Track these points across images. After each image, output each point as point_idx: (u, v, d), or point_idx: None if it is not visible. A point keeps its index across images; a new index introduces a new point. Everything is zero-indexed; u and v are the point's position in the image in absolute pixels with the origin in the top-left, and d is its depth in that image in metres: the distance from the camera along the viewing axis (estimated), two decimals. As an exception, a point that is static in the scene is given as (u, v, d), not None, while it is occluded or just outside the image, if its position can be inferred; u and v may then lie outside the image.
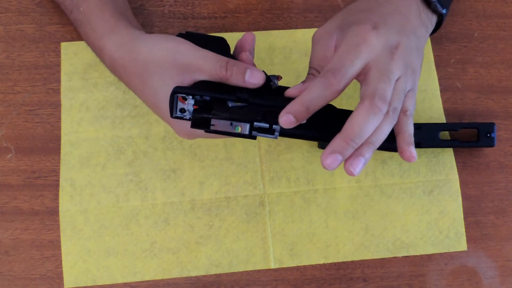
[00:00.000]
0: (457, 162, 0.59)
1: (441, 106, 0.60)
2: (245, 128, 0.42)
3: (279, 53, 0.60)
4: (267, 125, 0.42)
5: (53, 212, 0.55)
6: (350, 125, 0.41)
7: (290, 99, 0.42)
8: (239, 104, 0.42)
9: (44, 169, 0.56)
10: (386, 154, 0.58)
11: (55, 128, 0.57)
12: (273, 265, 0.56)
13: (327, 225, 0.57)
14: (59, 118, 0.57)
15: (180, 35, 0.48)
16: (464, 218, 0.58)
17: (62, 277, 0.54)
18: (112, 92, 0.58)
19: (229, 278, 0.55)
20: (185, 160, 0.57)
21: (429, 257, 0.57)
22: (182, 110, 0.43)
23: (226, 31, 0.61)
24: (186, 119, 0.43)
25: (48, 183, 0.56)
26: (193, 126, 0.42)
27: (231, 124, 0.42)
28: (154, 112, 0.49)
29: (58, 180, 0.56)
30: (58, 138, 0.57)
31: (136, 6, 0.61)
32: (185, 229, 0.56)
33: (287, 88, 0.45)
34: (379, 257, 0.56)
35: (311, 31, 0.57)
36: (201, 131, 0.44)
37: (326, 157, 0.41)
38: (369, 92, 0.42)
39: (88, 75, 0.58)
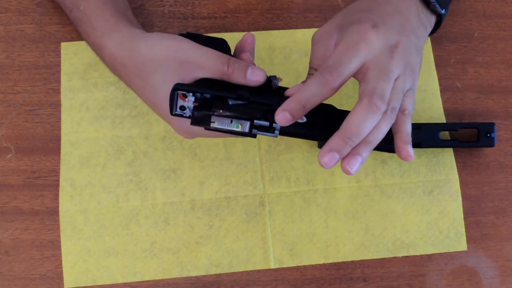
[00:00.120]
0: (457, 162, 0.59)
1: (441, 106, 0.60)
2: (245, 126, 0.42)
3: (279, 53, 0.60)
4: (267, 123, 0.42)
5: (53, 212, 0.55)
6: (348, 123, 0.41)
7: None
8: (239, 102, 0.42)
9: (44, 169, 0.56)
10: (386, 154, 0.58)
11: (55, 128, 0.57)
12: (273, 265, 0.56)
13: (327, 225, 0.57)
14: (59, 118, 0.57)
15: (181, 35, 0.48)
16: (464, 218, 0.58)
17: (62, 277, 0.54)
18: (112, 92, 0.58)
19: (229, 278, 0.55)
20: (185, 160, 0.57)
21: (429, 257, 0.57)
22: (182, 108, 0.43)
23: (226, 31, 0.61)
24: (186, 117, 0.43)
25: (48, 183, 0.56)
26: (193, 123, 0.42)
27: (231, 121, 0.42)
28: (154, 111, 0.49)
29: (58, 180, 0.56)
30: (58, 138, 0.57)
31: (136, 6, 0.61)
32: (185, 229, 0.56)
33: (287, 88, 0.45)
34: (379, 257, 0.56)
35: (311, 31, 0.57)
36: (201, 129, 0.44)
37: (323, 155, 0.41)
38: (367, 91, 0.42)
39: (88, 75, 0.58)
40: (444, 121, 0.60)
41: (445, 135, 0.59)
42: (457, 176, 0.58)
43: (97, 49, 0.51)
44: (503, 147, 0.60)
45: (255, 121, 0.42)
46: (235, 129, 0.42)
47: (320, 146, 0.57)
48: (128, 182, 0.56)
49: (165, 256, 0.55)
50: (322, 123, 0.44)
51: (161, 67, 0.45)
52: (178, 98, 0.43)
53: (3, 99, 0.58)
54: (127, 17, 0.52)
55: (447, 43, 0.62)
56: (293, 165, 0.58)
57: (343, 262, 0.56)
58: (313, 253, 0.56)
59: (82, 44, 0.59)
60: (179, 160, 0.57)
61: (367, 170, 0.58)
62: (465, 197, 0.58)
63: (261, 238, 0.56)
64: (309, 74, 0.47)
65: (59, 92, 0.58)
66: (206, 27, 0.61)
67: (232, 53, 0.50)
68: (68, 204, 0.55)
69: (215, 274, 0.55)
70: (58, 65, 0.59)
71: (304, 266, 0.56)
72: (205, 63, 0.44)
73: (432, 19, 0.51)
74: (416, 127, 0.57)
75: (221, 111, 0.42)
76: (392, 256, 0.56)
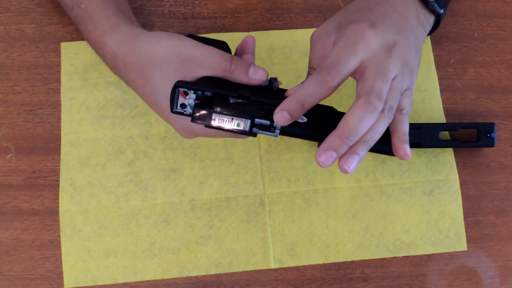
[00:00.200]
0: (457, 162, 0.59)
1: (441, 106, 0.60)
2: (245, 124, 0.42)
3: (279, 53, 0.60)
4: (268, 122, 0.42)
5: (53, 212, 0.55)
6: (345, 122, 0.41)
7: None
8: (240, 101, 0.42)
9: (44, 169, 0.56)
10: (386, 154, 0.58)
11: (55, 128, 0.57)
12: (273, 265, 0.56)
13: (327, 225, 0.57)
14: (59, 118, 0.57)
15: None
16: (464, 218, 0.58)
17: (62, 277, 0.54)
18: (112, 92, 0.58)
19: (229, 278, 0.55)
20: (185, 160, 0.57)
21: (429, 257, 0.57)
22: (183, 106, 0.43)
23: (226, 31, 0.61)
24: (186, 115, 0.43)
25: (48, 183, 0.56)
26: (193, 120, 0.42)
27: (232, 119, 0.42)
28: (153, 110, 0.49)
29: (58, 180, 0.56)
30: (58, 138, 0.57)
31: (136, 6, 0.61)
32: (185, 229, 0.56)
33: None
34: (379, 257, 0.56)
35: (311, 31, 0.57)
36: (201, 128, 0.44)
37: (321, 154, 0.41)
38: (365, 90, 0.42)
39: (88, 75, 0.58)
40: (444, 121, 0.60)
41: (445, 135, 0.59)
42: (457, 176, 0.58)
43: (98, 47, 0.51)
44: (503, 147, 0.60)
45: (256, 119, 0.42)
46: (235, 127, 0.42)
47: (320, 146, 0.57)
48: (128, 182, 0.56)
49: (165, 256, 0.55)
50: (322, 124, 0.44)
51: (162, 65, 0.45)
52: (179, 96, 0.43)
53: (3, 99, 0.58)
54: (128, 16, 0.52)
55: (447, 43, 0.62)
56: (293, 165, 0.58)
57: (343, 262, 0.56)
58: (313, 253, 0.56)
59: (82, 44, 0.59)
60: (179, 160, 0.57)
61: (367, 170, 0.58)
62: (465, 197, 0.58)
63: (261, 238, 0.56)
64: (309, 74, 0.47)
65: (59, 92, 0.58)
66: (206, 27, 0.61)
67: (232, 55, 0.50)
68: (68, 204, 0.55)
69: (215, 274, 0.55)
70: (58, 65, 0.59)
71: (304, 266, 0.56)
72: (207, 61, 0.44)
73: (431, 19, 0.51)
74: (416, 127, 0.57)
75: (222, 109, 0.42)
76: (392, 256, 0.56)
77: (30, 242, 0.55)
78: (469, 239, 0.57)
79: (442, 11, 0.51)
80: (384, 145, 0.44)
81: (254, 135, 0.43)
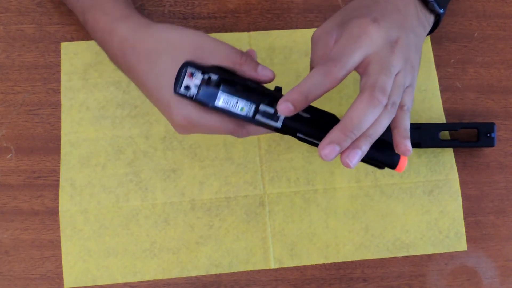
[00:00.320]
0: (457, 162, 0.59)
1: (441, 106, 0.60)
2: (250, 109, 0.42)
3: (279, 53, 0.60)
4: (272, 110, 0.42)
5: (53, 212, 0.55)
6: (349, 116, 0.41)
7: None
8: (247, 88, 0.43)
9: (44, 169, 0.56)
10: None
11: (55, 128, 0.57)
12: (273, 265, 0.56)
13: (327, 225, 0.57)
14: (59, 118, 0.57)
15: None
16: (464, 218, 0.58)
17: (62, 277, 0.54)
18: (112, 92, 0.58)
19: (229, 278, 0.55)
20: (185, 160, 0.57)
21: (429, 257, 0.57)
22: (187, 88, 0.43)
23: (226, 31, 0.61)
24: (189, 98, 0.43)
25: (48, 183, 0.56)
26: (197, 98, 0.42)
27: (237, 102, 0.42)
28: (152, 97, 0.47)
29: (58, 180, 0.56)
30: (58, 138, 0.57)
31: (136, 6, 0.61)
32: (185, 229, 0.56)
33: None
34: (379, 257, 0.56)
35: (311, 31, 0.57)
36: (200, 115, 0.44)
37: (324, 148, 0.41)
38: (369, 84, 0.42)
39: (88, 75, 0.58)
40: (444, 121, 0.60)
41: (445, 135, 0.59)
42: (457, 176, 0.58)
43: (105, 34, 0.50)
44: (503, 147, 0.60)
45: (261, 106, 0.42)
46: (238, 111, 0.42)
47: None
48: (128, 182, 0.56)
49: (165, 256, 0.55)
50: (323, 126, 0.43)
51: (173, 51, 0.44)
52: (186, 76, 0.43)
53: (3, 99, 0.58)
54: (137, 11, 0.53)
55: (447, 43, 0.62)
56: (293, 165, 0.58)
57: (343, 262, 0.56)
58: (313, 253, 0.56)
59: (82, 44, 0.59)
60: (179, 160, 0.57)
61: (367, 170, 0.58)
62: (465, 197, 0.58)
63: (261, 238, 0.56)
64: None
65: (59, 92, 0.58)
66: (206, 27, 0.61)
67: None
68: (68, 204, 0.55)
69: (215, 274, 0.55)
70: (58, 65, 0.59)
71: (304, 266, 0.56)
72: (218, 51, 0.44)
73: (431, 19, 0.51)
74: (416, 127, 0.57)
75: (228, 89, 0.42)
76: (392, 256, 0.56)
77: (30, 242, 0.55)
78: (469, 239, 0.57)
79: (441, 11, 0.51)
80: (377, 151, 0.44)
81: (257, 122, 0.43)
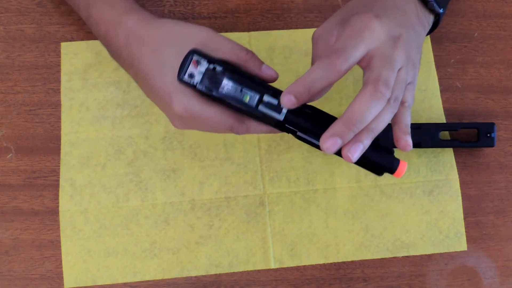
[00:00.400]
0: (457, 162, 0.59)
1: (441, 106, 0.60)
2: (253, 99, 0.42)
3: (279, 53, 0.60)
4: (275, 102, 0.42)
5: (53, 212, 0.55)
6: (351, 109, 0.40)
7: None
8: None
9: (44, 169, 0.56)
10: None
11: (55, 128, 0.57)
12: (273, 265, 0.56)
13: (327, 225, 0.57)
14: (59, 118, 0.57)
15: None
16: (464, 218, 0.58)
17: (62, 277, 0.54)
18: (112, 92, 0.58)
19: (229, 278, 0.55)
20: (185, 160, 0.57)
21: (429, 257, 0.57)
22: (191, 76, 0.43)
23: (226, 31, 0.61)
24: (192, 86, 0.43)
25: (48, 183, 0.56)
26: (201, 84, 0.42)
27: (241, 90, 0.42)
28: (151, 91, 0.47)
29: (58, 180, 0.56)
30: (58, 138, 0.57)
31: (136, 6, 0.61)
32: (185, 229, 0.56)
33: None
34: (379, 257, 0.56)
35: (311, 31, 0.57)
36: (201, 107, 0.44)
37: (326, 140, 0.40)
38: (372, 78, 0.41)
39: (88, 75, 0.58)
40: (444, 121, 0.60)
41: (445, 135, 0.59)
42: (457, 176, 0.58)
43: (111, 26, 0.50)
44: (503, 147, 0.60)
45: (265, 96, 0.42)
46: (242, 99, 0.42)
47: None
48: (128, 182, 0.56)
49: (165, 256, 0.55)
50: (324, 125, 0.43)
51: (181, 41, 0.44)
52: (191, 64, 0.42)
53: (3, 99, 0.58)
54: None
55: (447, 43, 0.62)
56: (293, 165, 0.58)
57: (343, 262, 0.56)
58: (313, 253, 0.56)
59: (82, 44, 0.59)
60: (179, 160, 0.57)
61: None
62: (465, 197, 0.58)
63: (261, 238, 0.56)
64: None
65: (59, 92, 0.58)
66: (206, 27, 0.61)
67: None
68: (68, 204, 0.55)
69: (215, 274, 0.55)
70: (58, 65, 0.59)
71: (304, 266, 0.56)
72: (224, 46, 0.44)
73: (430, 18, 0.51)
74: (416, 127, 0.57)
75: (233, 77, 0.42)
76: (392, 256, 0.56)
77: (30, 242, 0.55)
78: (469, 239, 0.57)
79: (441, 10, 0.51)
80: (373, 150, 0.44)
81: (259, 114, 0.42)
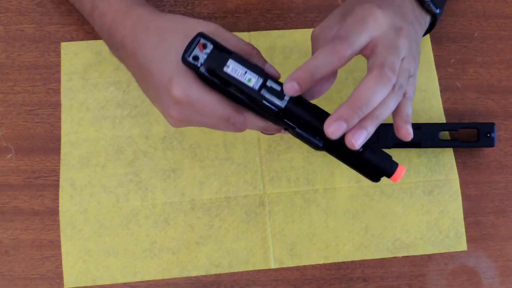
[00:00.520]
0: (457, 162, 0.59)
1: (441, 106, 0.60)
2: (257, 82, 0.41)
3: (279, 53, 0.60)
4: (279, 88, 0.42)
5: (53, 212, 0.55)
6: (357, 93, 0.40)
7: None
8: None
9: (44, 169, 0.56)
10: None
11: (55, 128, 0.57)
12: (273, 265, 0.56)
13: (327, 225, 0.57)
14: (59, 118, 0.57)
15: None
16: (464, 218, 0.58)
17: (62, 277, 0.54)
18: (112, 92, 0.58)
19: (229, 278, 0.55)
20: (185, 160, 0.57)
21: (429, 257, 0.57)
22: (195, 58, 0.42)
23: (226, 31, 0.61)
24: (195, 67, 0.42)
25: (48, 183, 0.56)
26: (205, 62, 0.41)
27: (245, 73, 0.41)
28: (150, 79, 0.46)
29: (58, 180, 0.56)
30: (58, 138, 0.57)
31: (136, 6, 0.61)
32: (185, 229, 0.56)
33: None
34: (379, 257, 0.56)
35: (311, 31, 0.57)
36: (201, 93, 0.43)
37: (330, 124, 0.40)
38: (378, 63, 0.41)
39: (88, 75, 0.58)
40: (444, 121, 0.60)
41: (445, 135, 0.59)
42: (457, 176, 0.58)
43: (118, 16, 0.49)
44: (503, 147, 0.60)
45: (268, 81, 0.41)
46: (246, 82, 0.41)
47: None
48: (128, 182, 0.56)
49: (165, 256, 0.55)
50: (324, 120, 0.43)
51: (187, 30, 0.44)
52: (197, 47, 0.42)
53: (3, 99, 0.58)
54: None
55: (447, 43, 0.62)
56: (293, 165, 0.58)
57: (343, 262, 0.56)
58: (313, 253, 0.56)
59: (82, 44, 0.59)
60: (179, 160, 0.57)
61: (367, 170, 0.58)
62: (465, 197, 0.58)
63: (261, 238, 0.56)
64: None
65: (59, 92, 0.58)
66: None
67: None
68: (68, 204, 0.55)
69: (215, 274, 0.55)
70: (58, 65, 0.59)
71: (304, 266, 0.56)
72: (231, 40, 0.44)
73: (427, 18, 0.51)
74: (416, 127, 0.57)
75: (238, 60, 0.42)
76: (392, 256, 0.56)
77: (30, 242, 0.55)
78: (469, 239, 0.57)
79: (438, 11, 0.51)
80: (378, 157, 0.44)
81: (261, 99, 0.42)
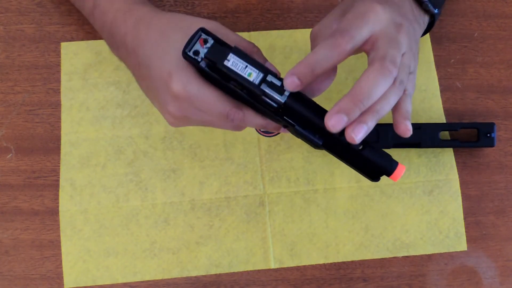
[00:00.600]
0: (457, 162, 0.59)
1: (441, 106, 0.60)
2: (257, 76, 0.41)
3: (279, 53, 0.60)
4: (279, 83, 0.41)
5: (53, 212, 0.55)
6: (358, 86, 0.40)
7: None
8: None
9: (44, 169, 0.56)
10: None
11: (55, 128, 0.57)
12: (273, 265, 0.56)
13: (327, 225, 0.57)
14: (59, 118, 0.57)
15: None
16: (464, 218, 0.58)
17: (62, 277, 0.54)
18: (112, 92, 0.58)
19: (229, 278, 0.55)
20: (185, 160, 0.57)
21: (429, 257, 0.57)
22: (196, 53, 0.42)
23: (226, 31, 0.61)
24: (196, 61, 0.42)
25: (48, 183, 0.56)
26: (207, 55, 0.41)
27: (246, 67, 0.41)
28: (149, 74, 0.46)
29: (58, 180, 0.56)
30: (58, 138, 0.57)
31: (136, 6, 0.61)
32: (185, 229, 0.56)
33: None
34: (379, 257, 0.56)
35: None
36: (200, 90, 0.43)
37: (331, 117, 0.39)
38: (379, 56, 0.41)
39: (88, 75, 0.58)
40: (444, 121, 0.60)
41: (445, 135, 0.59)
42: (457, 176, 0.58)
43: (120, 14, 0.49)
44: (503, 147, 0.60)
45: (269, 76, 0.41)
46: (246, 76, 0.41)
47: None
48: (128, 182, 0.56)
49: (165, 256, 0.55)
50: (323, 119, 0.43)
51: (189, 28, 0.44)
52: (198, 41, 0.42)
53: (3, 99, 0.58)
54: None
55: (447, 43, 0.62)
56: (293, 165, 0.58)
57: (343, 262, 0.56)
58: (313, 253, 0.56)
59: (82, 44, 0.59)
60: (179, 160, 0.57)
61: (367, 170, 0.58)
62: (465, 197, 0.58)
63: (261, 238, 0.56)
64: None
65: (59, 92, 0.58)
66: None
67: None
68: (68, 204, 0.55)
69: (215, 274, 0.55)
70: (58, 65, 0.59)
71: (304, 266, 0.56)
72: (233, 38, 0.44)
73: (426, 18, 0.51)
74: (416, 127, 0.57)
75: (240, 55, 0.41)
76: (392, 256, 0.56)
77: (30, 242, 0.55)
78: (469, 239, 0.57)
79: (436, 11, 0.50)
80: (378, 156, 0.44)
81: (260, 94, 0.41)
